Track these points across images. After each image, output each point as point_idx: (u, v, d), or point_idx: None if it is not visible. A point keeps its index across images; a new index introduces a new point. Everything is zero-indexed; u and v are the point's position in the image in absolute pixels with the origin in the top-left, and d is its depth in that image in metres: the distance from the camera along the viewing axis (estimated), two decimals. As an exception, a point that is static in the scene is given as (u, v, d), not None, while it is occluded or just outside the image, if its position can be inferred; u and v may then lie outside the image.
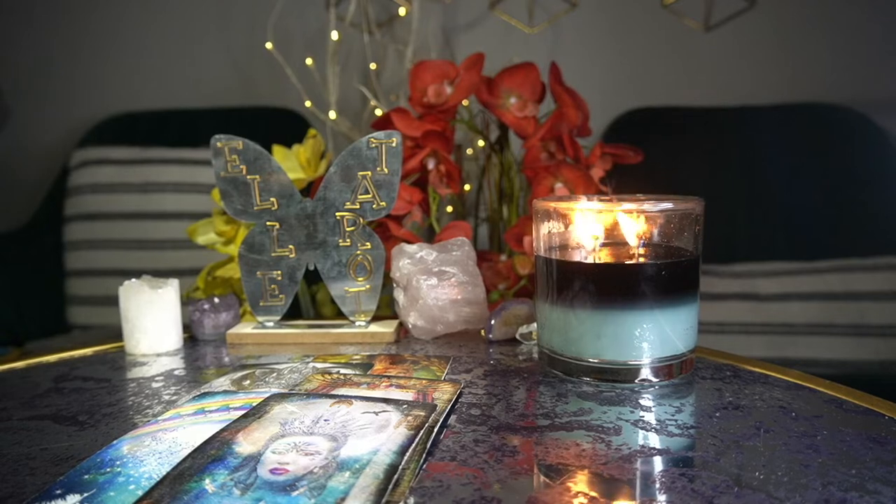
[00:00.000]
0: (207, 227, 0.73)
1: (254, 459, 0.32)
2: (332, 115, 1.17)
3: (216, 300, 0.60)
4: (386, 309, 0.74)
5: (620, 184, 0.77)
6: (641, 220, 0.44)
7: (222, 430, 0.35)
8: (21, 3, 1.51)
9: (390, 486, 0.29)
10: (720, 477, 0.31)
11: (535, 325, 0.53)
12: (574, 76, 0.83)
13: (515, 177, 0.83)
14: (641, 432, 0.36)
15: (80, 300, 1.31)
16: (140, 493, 0.29)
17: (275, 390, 0.42)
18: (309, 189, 0.73)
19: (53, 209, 1.36)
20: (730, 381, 0.45)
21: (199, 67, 1.51)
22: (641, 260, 0.44)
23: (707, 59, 1.42)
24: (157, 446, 0.34)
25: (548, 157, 0.76)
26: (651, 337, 0.43)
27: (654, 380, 0.44)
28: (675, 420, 0.38)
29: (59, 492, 0.30)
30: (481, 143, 0.90)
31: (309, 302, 0.82)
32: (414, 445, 0.33)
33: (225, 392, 0.43)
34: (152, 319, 0.54)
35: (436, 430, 0.35)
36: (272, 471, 0.31)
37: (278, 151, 0.72)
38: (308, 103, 1.21)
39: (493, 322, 0.55)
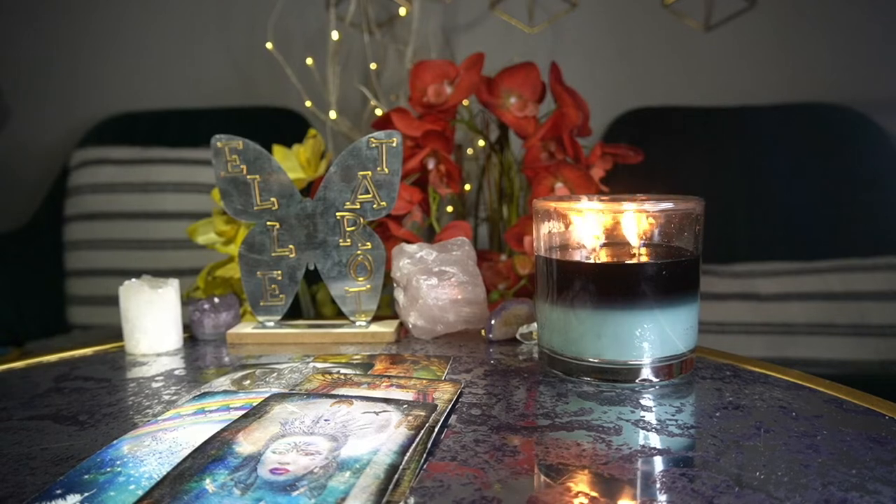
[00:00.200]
0: (207, 227, 0.73)
1: (254, 459, 0.32)
2: (332, 115, 1.17)
3: (216, 300, 0.60)
4: (386, 309, 0.74)
5: (620, 184, 0.77)
6: (642, 219, 0.44)
7: (222, 430, 0.35)
8: (21, 3, 1.51)
9: (391, 486, 0.29)
10: (720, 477, 0.31)
11: (535, 324, 0.53)
12: (574, 76, 0.83)
13: (515, 177, 0.83)
14: (642, 432, 0.36)
15: (80, 300, 1.31)
16: (140, 493, 0.29)
17: (275, 390, 0.42)
18: (309, 189, 0.73)
19: (53, 209, 1.36)
20: (730, 381, 0.45)
21: (199, 67, 1.51)
22: (642, 260, 0.44)
23: (707, 59, 1.42)
24: (157, 446, 0.34)
25: (548, 157, 0.76)
26: (651, 337, 0.43)
27: (655, 380, 0.44)
28: (676, 420, 0.38)
29: (59, 492, 0.30)
30: (481, 143, 0.90)
31: (309, 302, 0.82)
32: (414, 445, 0.33)
33: (225, 392, 0.43)
34: (152, 319, 0.54)
35: (436, 430, 0.35)
36: (272, 471, 0.31)
37: (278, 151, 0.72)
38: (308, 103, 1.21)
39: (493, 322, 0.55)
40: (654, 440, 0.35)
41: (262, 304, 0.58)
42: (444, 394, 0.41)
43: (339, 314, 0.61)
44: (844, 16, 1.38)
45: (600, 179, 0.76)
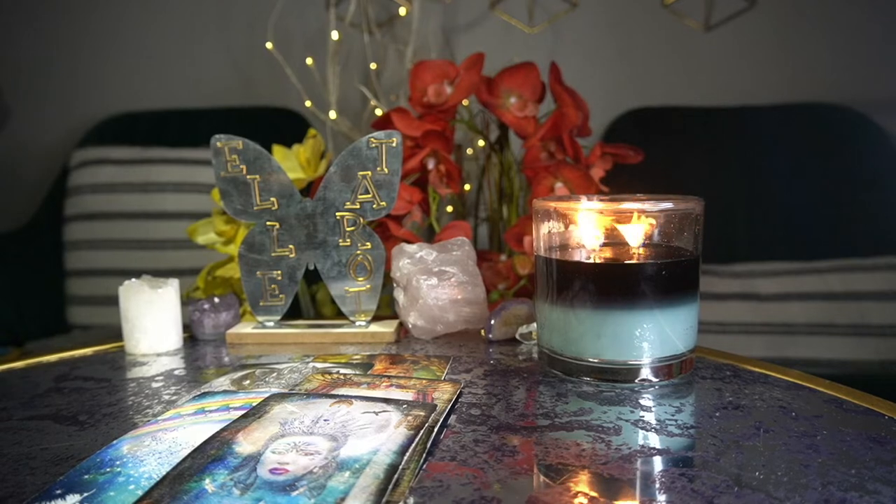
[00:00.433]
0: (207, 226, 0.73)
1: (254, 459, 0.32)
2: (332, 115, 1.17)
3: (216, 300, 0.60)
4: (386, 309, 0.74)
5: (620, 184, 0.77)
6: (642, 220, 0.44)
7: (222, 429, 0.35)
8: (21, 3, 1.51)
9: (390, 486, 0.29)
10: (720, 477, 0.31)
11: (534, 324, 0.53)
12: (574, 76, 0.83)
13: (515, 177, 0.83)
14: (641, 432, 0.36)
15: (80, 300, 1.31)
16: (140, 493, 0.29)
17: (275, 390, 0.42)
18: (309, 189, 0.73)
19: (53, 209, 1.36)
20: (730, 381, 0.45)
21: (199, 67, 1.51)
22: (641, 260, 0.44)
23: (707, 59, 1.42)
24: (157, 446, 0.34)
25: (548, 156, 0.76)
26: (651, 337, 0.43)
27: (654, 380, 0.44)
28: (675, 420, 0.38)
29: (59, 492, 0.30)
30: (481, 143, 0.90)
31: (309, 302, 0.82)
32: (414, 445, 0.33)
33: (225, 392, 0.43)
34: (152, 319, 0.54)
35: (436, 430, 0.35)
36: (272, 471, 0.31)
37: (278, 151, 0.72)
38: (308, 103, 1.21)
39: (493, 322, 0.55)
40: (654, 440, 0.35)
41: (261, 304, 0.58)
42: (443, 394, 0.41)
43: (339, 314, 0.61)
44: (844, 16, 1.38)
45: (600, 179, 0.76)
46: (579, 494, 0.30)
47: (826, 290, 1.11)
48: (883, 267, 1.12)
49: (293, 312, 0.61)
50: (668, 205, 0.44)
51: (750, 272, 1.16)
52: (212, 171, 0.57)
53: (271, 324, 0.59)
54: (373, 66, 1.26)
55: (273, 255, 0.57)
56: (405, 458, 0.32)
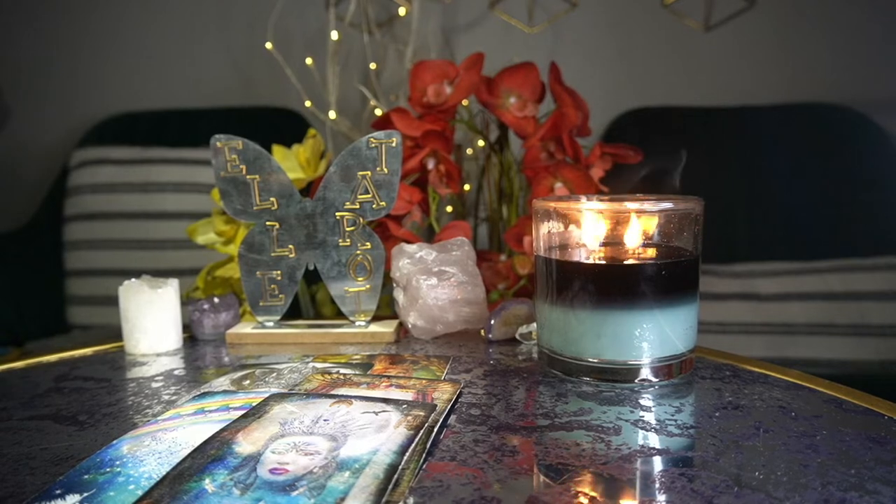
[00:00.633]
0: (207, 226, 0.73)
1: (253, 459, 0.32)
2: (332, 115, 1.17)
3: (216, 300, 0.60)
4: (386, 309, 0.74)
5: (620, 184, 0.77)
6: (642, 219, 0.44)
7: (222, 430, 0.35)
8: (21, 3, 1.51)
9: (390, 486, 0.29)
10: (720, 477, 0.31)
11: (534, 325, 0.53)
12: (574, 76, 0.83)
13: (515, 177, 0.83)
14: (641, 432, 0.36)
15: (80, 300, 1.31)
16: (140, 493, 0.29)
17: (275, 390, 0.42)
18: (309, 189, 0.73)
19: (53, 209, 1.36)
20: (729, 381, 0.45)
21: (199, 67, 1.51)
22: (641, 260, 0.44)
23: (707, 59, 1.42)
24: (156, 446, 0.34)
25: (548, 157, 0.76)
26: (651, 337, 0.43)
27: (654, 380, 0.44)
28: (675, 420, 0.38)
29: (59, 492, 0.30)
30: (481, 143, 0.90)
31: (309, 302, 0.82)
32: (414, 445, 0.33)
33: (225, 392, 0.43)
34: (152, 319, 0.54)
35: (436, 430, 0.35)
36: (272, 471, 0.31)
37: (278, 151, 0.72)
38: (308, 103, 1.21)
39: (492, 322, 0.55)
40: (654, 440, 0.35)
41: (261, 304, 0.58)
42: (443, 394, 0.41)
43: (339, 314, 0.61)
44: (844, 16, 1.38)
45: (600, 179, 0.76)
46: (579, 494, 0.30)
47: (826, 290, 1.11)
48: (883, 267, 1.12)
49: (293, 312, 0.61)
50: (668, 205, 0.44)
51: (750, 272, 1.16)
52: (212, 171, 0.57)
53: (271, 324, 0.59)
54: (372, 66, 1.26)
55: (273, 255, 0.57)
56: (405, 458, 0.32)
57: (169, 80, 1.52)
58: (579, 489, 0.30)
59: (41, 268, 1.33)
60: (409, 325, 0.57)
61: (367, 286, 0.58)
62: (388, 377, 0.44)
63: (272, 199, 0.57)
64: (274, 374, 0.47)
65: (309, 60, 1.19)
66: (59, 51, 1.52)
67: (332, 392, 0.42)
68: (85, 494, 0.29)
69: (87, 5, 1.50)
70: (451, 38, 1.42)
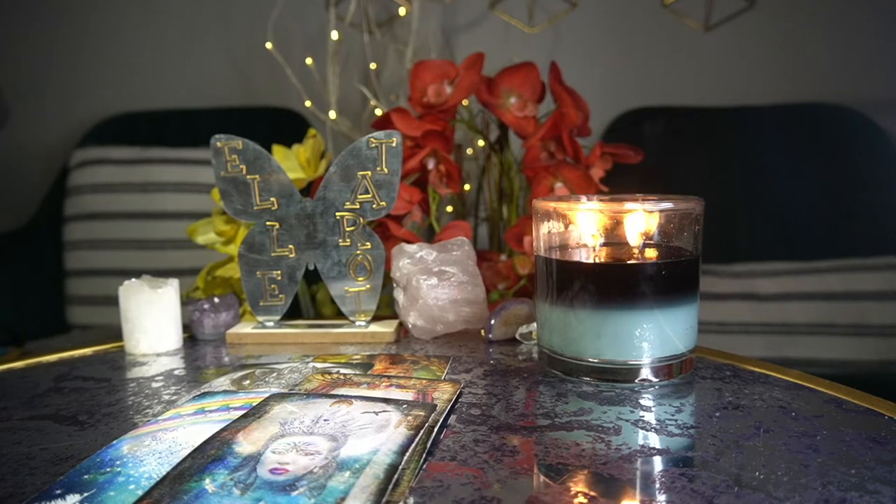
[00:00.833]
0: (207, 226, 0.73)
1: (254, 459, 0.32)
2: (332, 115, 1.17)
3: (216, 300, 0.60)
4: (386, 309, 0.74)
5: (620, 184, 0.77)
6: (642, 219, 0.44)
7: (222, 429, 0.35)
8: (21, 3, 1.51)
9: (390, 486, 0.29)
10: (720, 477, 0.31)
11: (534, 324, 0.53)
12: (574, 76, 0.83)
13: (515, 177, 0.83)
14: (641, 432, 0.36)
15: (80, 300, 1.31)
16: (140, 492, 0.29)
17: (275, 390, 0.42)
18: (309, 189, 0.73)
19: (53, 209, 1.36)
20: (730, 381, 0.45)
21: (199, 67, 1.51)
22: (641, 260, 0.44)
23: (707, 59, 1.42)
24: (157, 446, 0.34)
25: (548, 156, 0.76)
26: (651, 337, 0.43)
27: (654, 380, 0.44)
28: (675, 420, 0.38)
29: (59, 492, 0.30)
30: (481, 143, 0.90)
31: (309, 302, 0.82)
32: (414, 445, 0.33)
33: (225, 392, 0.43)
34: (152, 319, 0.54)
35: (436, 429, 0.35)
36: (272, 471, 0.31)
37: (278, 151, 0.72)
38: (308, 103, 1.21)
39: (493, 322, 0.55)
40: (654, 440, 0.35)
41: (261, 304, 0.58)
42: (443, 394, 0.41)
43: (339, 314, 0.61)
44: (844, 16, 1.38)
45: (600, 179, 0.76)
46: (579, 494, 0.30)
47: (826, 290, 1.11)
48: (883, 267, 1.12)
49: (293, 312, 0.61)
50: (668, 205, 0.44)
51: (750, 272, 1.16)
52: (212, 171, 0.57)
53: (271, 324, 0.59)
54: (373, 66, 1.26)
55: (273, 255, 0.57)
56: (405, 458, 0.32)
57: (169, 80, 1.52)
58: (579, 489, 0.30)
59: (41, 268, 1.33)
60: (410, 325, 0.57)
61: (368, 286, 0.58)
62: (389, 377, 0.44)
63: (272, 199, 0.57)
64: (274, 374, 0.47)
65: (309, 60, 1.19)
66: (59, 51, 1.52)
67: (333, 392, 0.42)
68: (85, 494, 0.29)
69: (87, 5, 1.50)
70: (451, 38, 1.42)
